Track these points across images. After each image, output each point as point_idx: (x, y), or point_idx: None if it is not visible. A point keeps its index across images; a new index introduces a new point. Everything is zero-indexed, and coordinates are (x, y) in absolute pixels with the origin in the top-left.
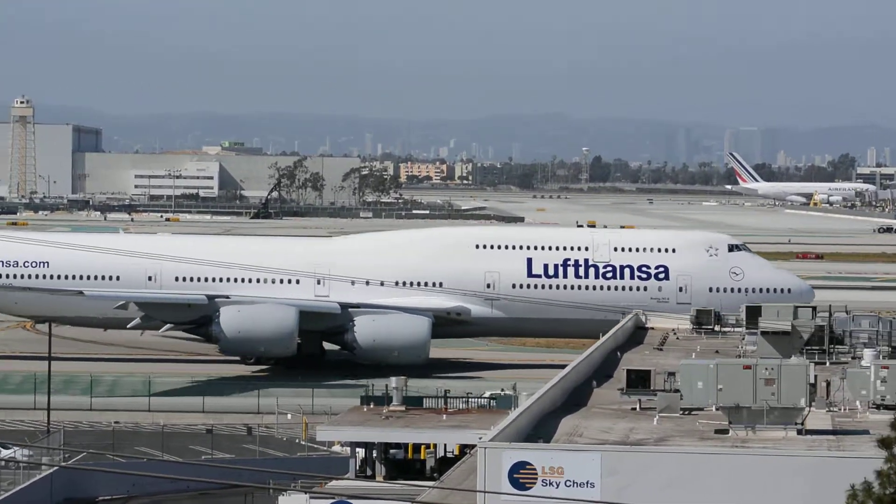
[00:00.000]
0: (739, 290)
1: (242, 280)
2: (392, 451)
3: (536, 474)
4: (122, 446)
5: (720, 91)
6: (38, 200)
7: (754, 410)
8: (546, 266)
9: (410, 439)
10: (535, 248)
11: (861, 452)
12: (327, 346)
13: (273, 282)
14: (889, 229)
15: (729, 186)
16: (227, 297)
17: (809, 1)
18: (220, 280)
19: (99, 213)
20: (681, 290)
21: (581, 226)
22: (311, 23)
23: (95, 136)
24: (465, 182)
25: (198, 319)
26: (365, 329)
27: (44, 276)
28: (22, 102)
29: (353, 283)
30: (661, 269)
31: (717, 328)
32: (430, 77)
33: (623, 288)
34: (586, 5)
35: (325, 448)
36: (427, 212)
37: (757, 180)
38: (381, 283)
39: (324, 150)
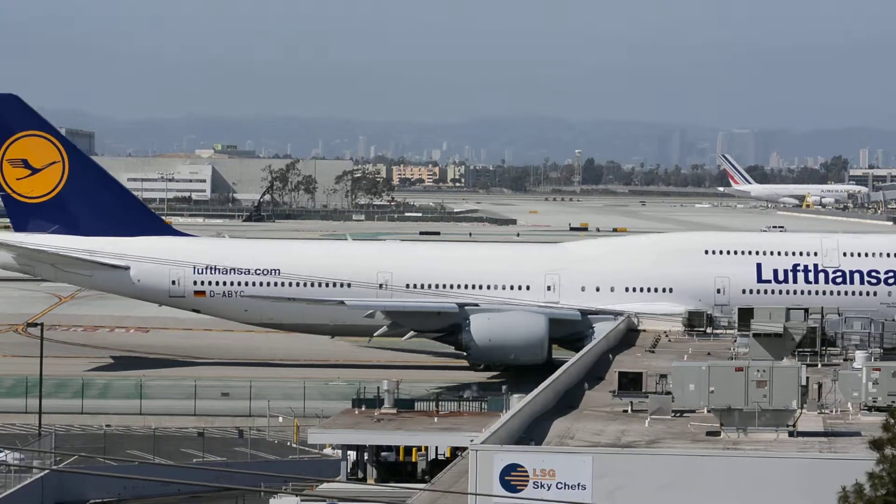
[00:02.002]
0: None
1: (473, 286)
2: (383, 453)
3: (528, 477)
4: (113, 449)
5: (713, 93)
6: None
7: (746, 412)
8: (776, 271)
9: (402, 442)
10: (765, 253)
11: (852, 454)
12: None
13: (503, 287)
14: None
15: (721, 188)
16: (477, 304)
17: (802, 4)
18: (452, 287)
19: None
20: None
21: (575, 228)
22: (305, 26)
23: (88, 140)
24: (457, 185)
25: (447, 328)
26: None
27: (275, 284)
28: None
29: (583, 288)
30: (891, 274)
31: (708, 330)
32: (423, 80)
33: (852, 293)
34: (578, 8)
35: (316, 451)
36: (419, 214)
37: (749, 182)
38: (612, 289)
39: (316, 153)
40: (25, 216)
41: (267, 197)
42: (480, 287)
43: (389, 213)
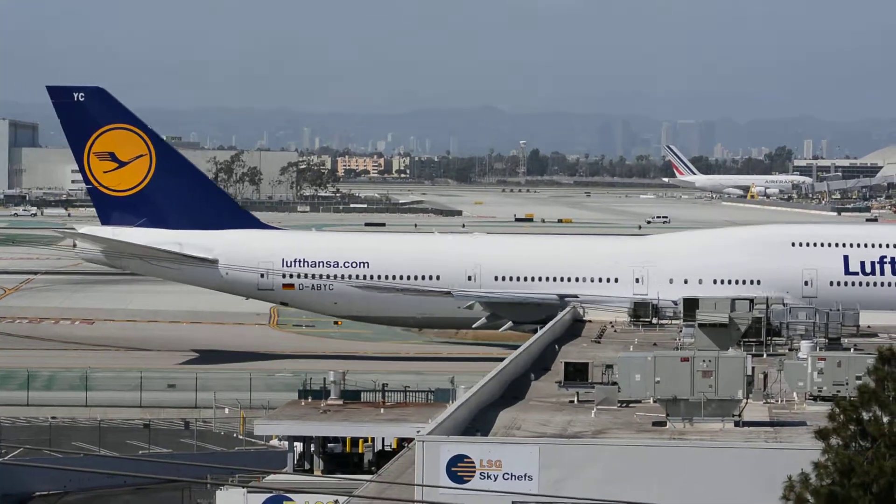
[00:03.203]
0: None
1: (561, 279)
2: (330, 444)
3: (474, 467)
4: (58, 442)
5: (658, 84)
6: None
7: (692, 403)
8: (863, 263)
9: (348, 433)
10: (852, 245)
11: (798, 444)
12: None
13: (591, 280)
14: (665, 219)
15: (666, 179)
16: (576, 296)
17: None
18: (540, 279)
19: (35, 208)
20: None
21: (520, 219)
22: (249, 17)
23: (32, 131)
24: (402, 176)
25: (546, 319)
26: None
27: (364, 277)
28: None
29: (671, 281)
30: None
31: (654, 321)
32: (368, 71)
33: None
34: None
35: (262, 442)
36: (365, 206)
37: (694, 173)
38: (700, 281)
39: (261, 145)
40: (112, 209)
41: None
42: (568, 279)
43: (335, 205)
